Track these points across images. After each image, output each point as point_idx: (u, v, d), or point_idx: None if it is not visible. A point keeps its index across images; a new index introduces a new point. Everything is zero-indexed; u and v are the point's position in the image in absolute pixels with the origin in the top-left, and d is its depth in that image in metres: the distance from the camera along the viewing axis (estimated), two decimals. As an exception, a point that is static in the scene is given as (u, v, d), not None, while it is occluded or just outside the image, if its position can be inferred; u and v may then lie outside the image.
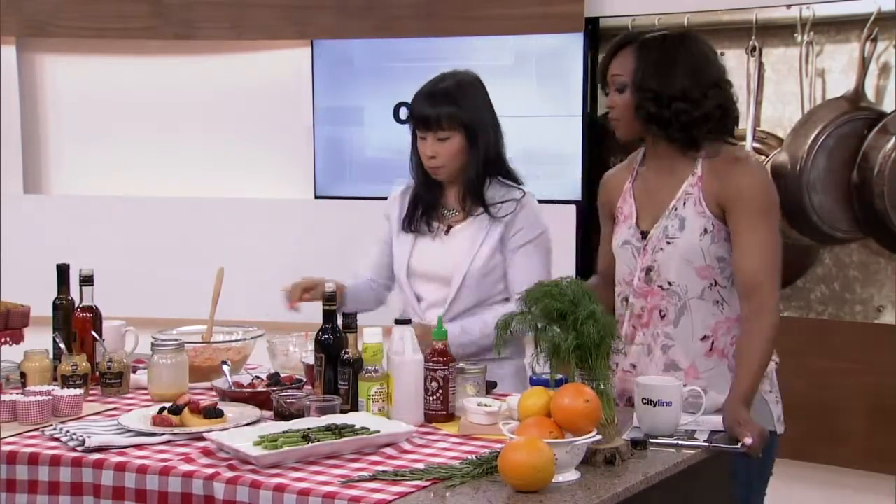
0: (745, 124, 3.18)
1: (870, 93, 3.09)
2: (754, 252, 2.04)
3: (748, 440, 1.92)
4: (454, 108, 2.36)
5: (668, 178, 2.13)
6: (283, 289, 2.43)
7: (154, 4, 3.80)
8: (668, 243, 2.10)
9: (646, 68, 2.09)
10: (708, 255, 2.08)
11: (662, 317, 2.12)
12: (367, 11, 3.67)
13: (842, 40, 3.12)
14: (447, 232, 2.43)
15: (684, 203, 2.10)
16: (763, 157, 3.17)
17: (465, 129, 2.36)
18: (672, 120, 2.08)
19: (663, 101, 2.07)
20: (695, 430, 1.96)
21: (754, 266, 2.04)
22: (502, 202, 2.38)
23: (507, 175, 2.43)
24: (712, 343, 2.10)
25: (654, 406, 1.93)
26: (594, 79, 3.52)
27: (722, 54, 3.19)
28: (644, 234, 2.14)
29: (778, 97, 3.24)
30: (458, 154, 2.37)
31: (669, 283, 2.10)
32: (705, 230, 2.08)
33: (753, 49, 3.19)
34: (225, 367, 2.27)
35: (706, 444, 1.92)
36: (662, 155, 2.15)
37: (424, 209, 2.45)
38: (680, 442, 1.91)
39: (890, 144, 3.02)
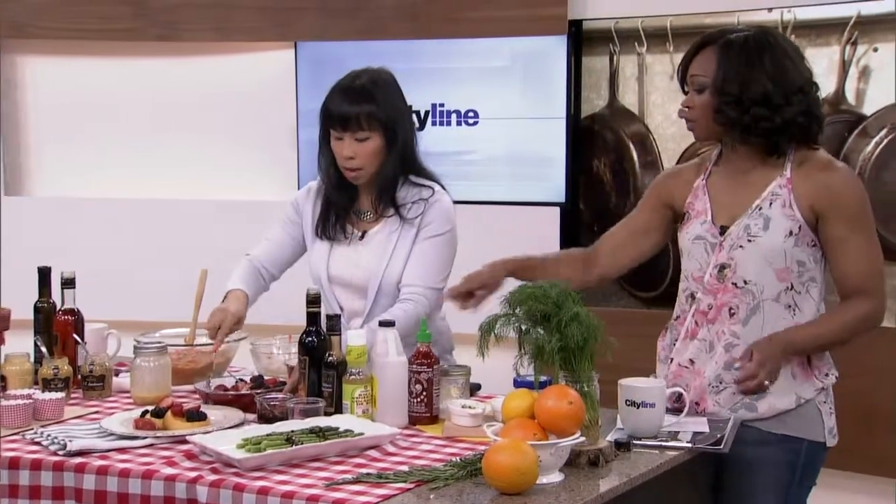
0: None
1: (850, 96, 3.11)
2: (859, 258, 2.02)
3: (763, 382, 1.95)
4: (373, 106, 2.28)
5: (748, 178, 2.08)
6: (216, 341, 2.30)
7: (136, 6, 3.78)
8: (750, 241, 2.06)
9: (727, 71, 2.03)
10: (789, 257, 2.05)
11: (732, 314, 2.07)
12: (351, 13, 3.66)
13: (822, 43, 3.15)
14: (362, 237, 2.36)
15: (770, 203, 2.05)
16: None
17: (383, 129, 2.29)
18: (752, 126, 2.03)
19: (744, 106, 2.02)
20: (678, 432, 1.97)
21: (859, 271, 2.02)
22: (413, 202, 2.33)
23: (420, 173, 2.36)
24: None
25: (638, 407, 1.94)
26: (577, 81, 3.54)
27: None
28: (722, 230, 2.09)
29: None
30: (377, 155, 2.30)
31: (745, 282, 2.06)
32: (791, 232, 2.04)
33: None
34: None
35: (689, 445, 1.92)
36: (740, 156, 2.10)
37: (338, 214, 2.37)
38: (663, 443, 1.92)
39: (870, 147, 3.04)
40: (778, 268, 2.05)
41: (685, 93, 2.13)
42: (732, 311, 2.07)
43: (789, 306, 2.06)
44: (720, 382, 2.06)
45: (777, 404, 2.03)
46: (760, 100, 2.02)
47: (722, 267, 2.08)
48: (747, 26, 2.17)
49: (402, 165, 2.33)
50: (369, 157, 2.30)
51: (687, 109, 2.10)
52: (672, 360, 2.13)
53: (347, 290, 2.38)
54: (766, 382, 1.99)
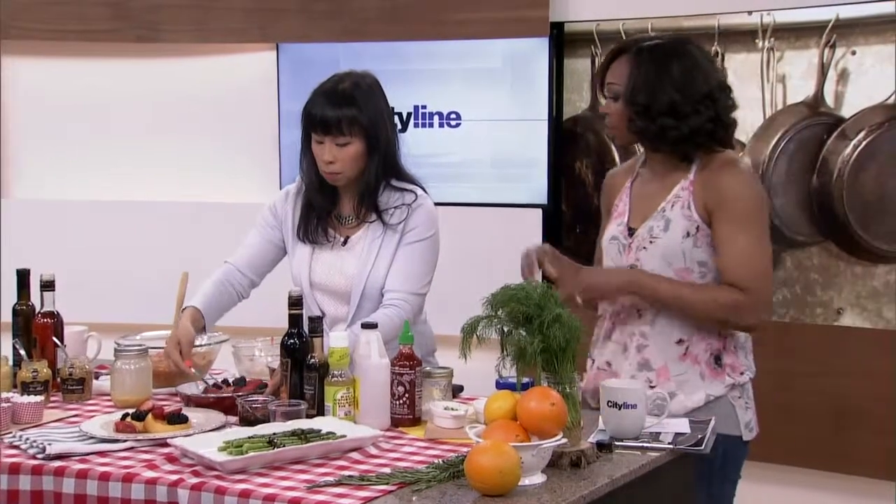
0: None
1: (829, 98, 3.14)
2: (740, 256, 2.05)
3: (571, 292, 2.01)
4: (355, 111, 2.26)
5: (662, 181, 2.15)
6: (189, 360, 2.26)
7: (116, 7, 3.76)
8: (651, 242, 2.12)
9: (636, 81, 2.08)
10: (688, 257, 2.10)
11: (640, 315, 2.14)
12: (333, 15, 3.66)
13: (801, 46, 3.17)
14: (344, 243, 2.35)
15: (672, 206, 2.11)
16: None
17: (365, 134, 2.28)
18: (660, 135, 2.08)
19: (652, 115, 2.07)
20: (659, 433, 1.97)
21: (737, 267, 2.05)
22: (395, 207, 2.32)
23: (401, 177, 2.36)
24: (687, 348, 2.12)
25: (620, 409, 1.94)
26: (560, 83, 3.55)
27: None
28: (631, 232, 2.16)
29: (740, 102, 3.27)
30: (358, 160, 2.29)
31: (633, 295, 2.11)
32: (688, 233, 2.09)
33: (716, 54, 3.23)
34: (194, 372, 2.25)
35: (671, 446, 1.93)
36: (658, 160, 2.16)
37: (319, 217, 2.36)
38: (645, 444, 1.92)
39: (848, 150, 3.07)
40: (677, 268, 2.10)
41: (604, 97, 2.18)
42: (640, 311, 2.13)
43: None
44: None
45: (686, 402, 2.08)
46: (667, 110, 2.07)
47: (631, 268, 2.14)
48: (662, 34, 2.21)
49: (384, 170, 2.32)
50: (349, 162, 2.29)
51: (607, 116, 2.16)
52: (594, 361, 2.18)
53: (330, 296, 2.37)
54: (578, 296, 2.05)
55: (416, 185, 2.38)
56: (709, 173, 2.10)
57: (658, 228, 2.12)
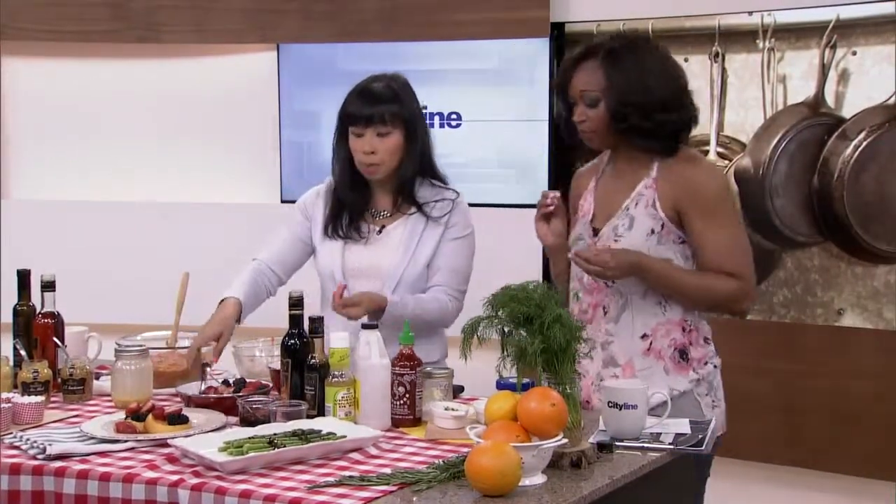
0: (710, 129, 3.21)
1: (829, 99, 3.13)
2: (719, 248, 2.08)
3: (603, 270, 2.04)
4: (395, 105, 2.35)
5: (626, 179, 2.17)
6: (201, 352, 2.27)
7: (116, 7, 3.76)
8: (616, 241, 2.14)
9: (621, 82, 2.09)
10: (652, 255, 2.11)
11: (605, 313, 2.16)
12: (333, 16, 3.65)
13: (802, 47, 3.17)
14: (380, 231, 2.40)
15: (636, 204, 2.13)
16: (726, 162, 3.21)
17: (404, 127, 2.35)
18: (655, 130, 2.10)
19: (646, 112, 2.09)
20: (660, 433, 1.97)
21: (720, 259, 2.08)
22: (436, 201, 2.37)
23: (436, 176, 2.42)
24: (651, 343, 2.13)
25: (620, 409, 1.95)
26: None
27: (686, 60, 3.24)
28: (596, 232, 2.18)
29: (740, 102, 3.28)
30: (397, 151, 2.35)
31: (613, 281, 2.13)
32: (652, 231, 2.11)
33: (716, 55, 3.23)
34: (207, 369, 2.25)
35: (671, 446, 1.93)
36: (625, 158, 2.18)
37: (351, 216, 2.40)
38: (645, 445, 1.93)
39: (849, 150, 3.07)
40: None
41: (569, 105, 2.17)
42: (605, 309, 2.15)
43: (659, 303, 2.12)
44: (601, 380, 2.11)
45: (651, 399, 2.05)
46: (660, 105, 2.09)
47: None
48: (619, 34, 2.22)
49: (421, 165, 2.38)
50: (389, 153, 2.35)
51: (582, 122, 2.16)
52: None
53: (365, 284, 2.38)
54: (609, 273, 2.07)
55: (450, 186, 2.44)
56: (673, 170, 2.12)
57: (622, 227, 2.13)
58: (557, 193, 2.24)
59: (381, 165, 2.35)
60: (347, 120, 2.36)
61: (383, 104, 2.33)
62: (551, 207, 2.22)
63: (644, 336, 2.13)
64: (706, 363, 2.14)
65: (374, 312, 2.26)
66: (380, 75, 2.42)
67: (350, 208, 2.40)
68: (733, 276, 2.09)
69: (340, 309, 2.24)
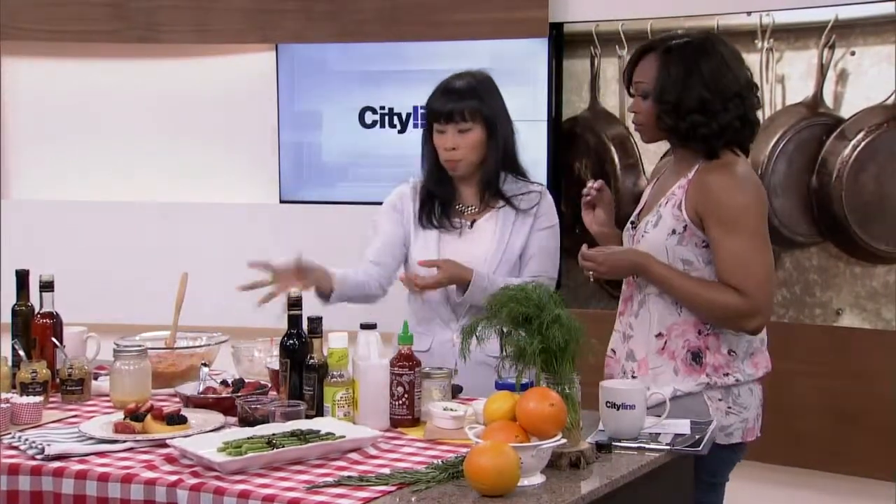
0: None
1: (828, 99, 3.14)
2: (733, 260, 2.05)
3: (595, 267, 2.09)
4: (476, 101, 2.40)
5: (673, 177, 2.18)
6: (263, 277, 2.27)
7: (116, 7, 3.76)
8: (643, 236, 2.16)
9: (666, 79, 2.09)
10: (671, 254, 2.11)
11: (631, 308, 2.18)
12: (332, 16, 3.66)
13: (800, 47, 3.17)
14: (471, 226, 2.45)
15: (667, 202, 2.13)
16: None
17: (485, 122, 2.40)
18: (690, 132, 2.10)
19: (681, 113, 2.08)
20: (658, 434, 1.97)
21: (731, 272, 2.05)
22: (522, 195, 2.43)
23: (518, 171, 2.48)
24: (665, 342, 2.13)
25: (618, 409, 1.95)
26: (559, 84, 3.55)
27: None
28: (633, 226, 2.21)
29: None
30: (478, 146, 2.41)
31: (636, 276, 2.15)
32: (673, 231, 2.11)
33: (715, 55, 3.23)
34: (203, 369, 2.25)
35: (669, 447, 1.93)
36: (679, 156, 2.19)
37: (442, 206, 2.45)
38: (644, 445, 1.93)
39: (847, 150, 3.07)
40: None
41: (631, 95, 2.19)
42: (630, 303, 2.17)
43: (675, 303, 2.11)
44: (623, 372, 2.15)
45: (649, 399, 2.05)
46: (697, 107, 2.08)
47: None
48: (690, 32, 2.21)
49: (504, 160, 2.43)
50: (470, 149, 2.40)
51: (635, 114, 2.17)
52: (614, 352, 2.22)
53: None
54: (592, 272, 2.12)
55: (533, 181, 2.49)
56: (703, 174, 2.11)
57: (650, 224, 2.15)
58: (597, 183, 2.28)
59: (462, 161, 2.40)
60: (430, 117, 2.43)
61: (464, 101, 2.39)
62: (588, 197, 2.28)
63: (659, 335, 2.13)
64: (727, 374, 2.10)
65: (459, 287, 2.34)
66: (463, 72, 2.47)
67: (440, 199, 2.45)
68: (738, 290, 2.05)
69: (420, 281, 2.29)
